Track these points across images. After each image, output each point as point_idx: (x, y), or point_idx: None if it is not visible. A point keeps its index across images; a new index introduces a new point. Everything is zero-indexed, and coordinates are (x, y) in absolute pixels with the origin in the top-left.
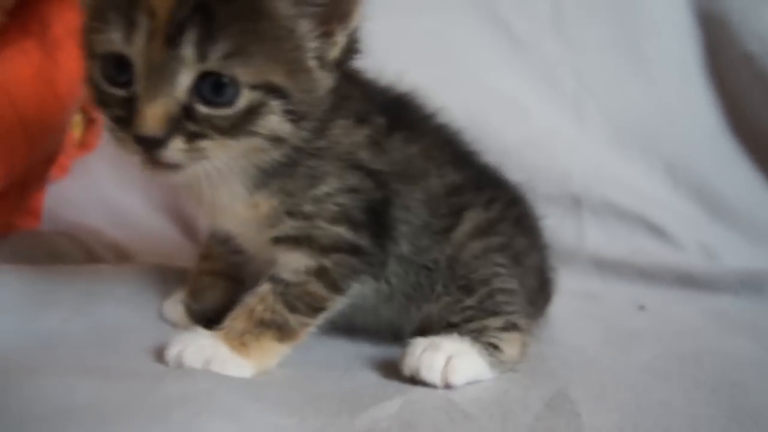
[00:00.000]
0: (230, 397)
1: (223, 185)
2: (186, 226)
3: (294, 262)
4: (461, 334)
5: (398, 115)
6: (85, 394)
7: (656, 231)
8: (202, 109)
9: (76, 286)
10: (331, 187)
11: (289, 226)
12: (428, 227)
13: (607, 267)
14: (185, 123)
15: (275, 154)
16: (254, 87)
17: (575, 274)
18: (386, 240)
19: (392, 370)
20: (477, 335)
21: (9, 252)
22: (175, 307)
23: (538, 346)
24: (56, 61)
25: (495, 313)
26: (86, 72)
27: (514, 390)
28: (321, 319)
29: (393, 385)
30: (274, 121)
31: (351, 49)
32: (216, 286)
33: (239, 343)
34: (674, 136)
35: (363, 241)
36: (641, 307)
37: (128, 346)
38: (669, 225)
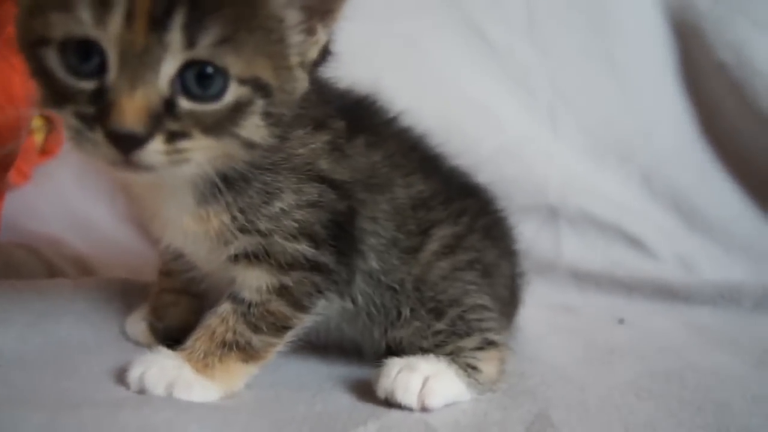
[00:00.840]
0: (192, 426)
1: (171, 193)
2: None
3: (254, 281)
4: (437, 355)
5: (359, 118)
6: (35, 425)
7: (634, 242)
8: (185, 103)
9: (32, 302)
10: (288, 203)
11: (245, 243)
12: (395, 243)
13: (585, 279)
14: (166, 120)
15: (240, 162)
16: (243, 81)
17: (553, 286)
18: (352, 255)
19: (366, 391)
20: (453, 357)
21: None
22: (138, 324)
23: (516, 363)
24: (10, 63)
25: (468, 333)
26: (33, 63)
27: (493, 412)
28: (287, 337)
29: (367, 408)
30: (254, 122)
31: (326, 51)
32: (178, 303)
33: (203, 364)
34: (650, 146)
35: (326, 257)
36: (621, 321)
37: (87, 367)
38: (646, 236)
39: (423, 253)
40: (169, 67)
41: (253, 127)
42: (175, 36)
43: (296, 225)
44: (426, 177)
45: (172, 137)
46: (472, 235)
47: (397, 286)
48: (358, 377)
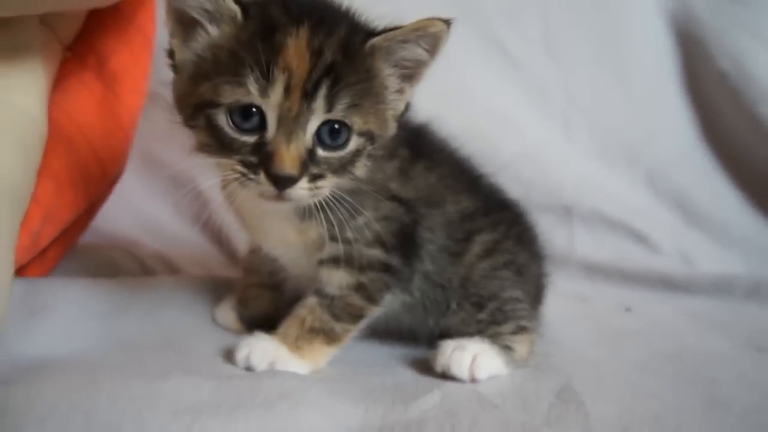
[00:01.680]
0: (313, 391)
1: (280, 213)
2: (214, 236)
3: (336, 279)
4: (481, 338)
5: (418, 146)
6: (209, 389)
7: (639, 238)
8: (321, 152)
9: (143, 295)
10: (369, 217)
11: (332, 250)
12: (446, 249)
13: (596, 271)
14: (309, 165)
15: (346, 187)
16: (361, 134)
17: (567, 278)
18: (414, 258)
19: (423, 367)
20: (493, 339)
21: (76, 267)
22: (227, 313)
23: (542, 345)
24: (116, 93)
25: (505, 321)
26: (201, 122)
27: (527, 383)
28: (361, 325)
29: (428, 380)
30: (364, 162)
31: (408, 104)
32: (261, 296)
33: (295, 346)
34: (654, 150)
35: (394, 260)
36: (627, 309)
37: (198, 349)
38: (651, 232)
39: (467, 256)
40: (313, 126)
41: (362, 166)
42: (319, 103)
43: (373, 234)
44: (471, 194)
45: (313, 178)
46: (507, 241)
47: (446, 284)
48: (415, 356)
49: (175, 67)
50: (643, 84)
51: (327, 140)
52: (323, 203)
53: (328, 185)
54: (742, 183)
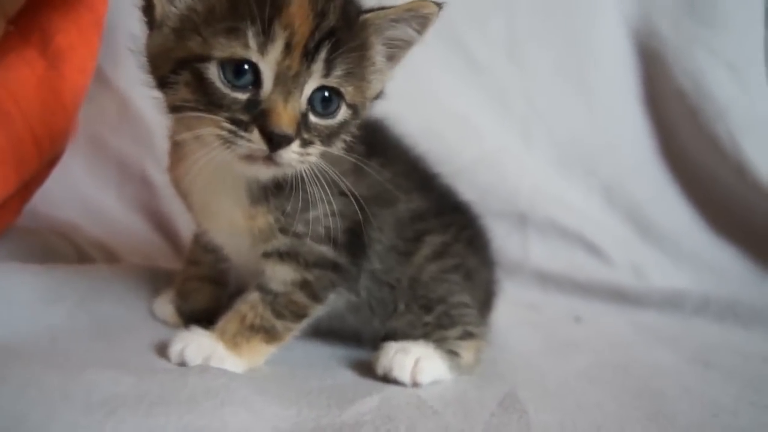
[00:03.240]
0: (242, 391)
1: (230, 192)
2: (159, 225)
3: (281, 275)
4: (426, 341)
5: (374, 142)
6: (128, 383)
7: (593, 249)
8: (313, 118)
9: (76, 284)
10: (321, 212)
11: (280, 243)
12: (395, 248)
13: (548, 280)
14: (302, 129)
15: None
16: (349, 105)
17: (520, 286)
18: (361, 258)
19: (364, 369)
20: (439, 344)
21: (8, 249)
22: (166, 306)
23: (489, 351)
24: (60, 71)
25: (452, 325)
26: (191, 78)
27: (471, 390)
28: (303, 324)
29: (368, 383)
30: (343, 138)
31: (382, 90)
32: (202, 289)
33: (233, 343)
34: (612, 162)
35: (341, 258)
36: (577, 319)
37: (131, 342)
38: (604, 244)
39: (416, 257)
40: (309, 88)
41: (342, 141)
42: (318, 66)
43: (324, 231)
44: (423, 194)
45: (304, 143)
46: (458, 245)
47: (394, 284)
48: (357, 358)
49: (151, 23)
50: (604, 96)
51: (319, 107)
52: (277, 187)
53: (316, 153)
54: (695, 199)
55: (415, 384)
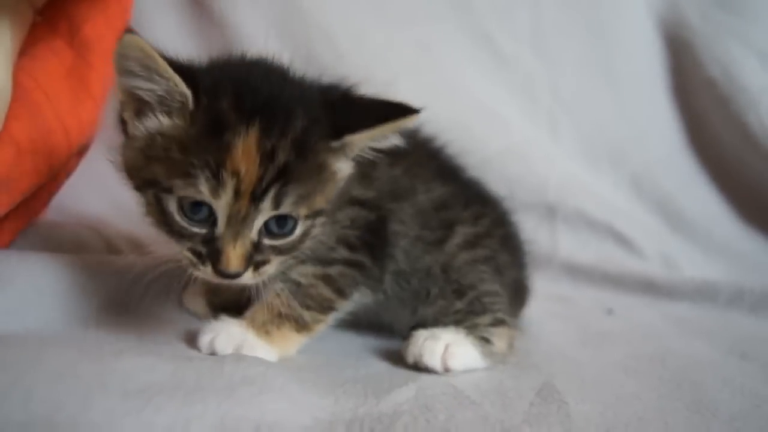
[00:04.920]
0: (279, 379)
1: None
2: None
3: (302, 269)
4: (457, 328)
5: None
6: (165, 372)
7: (623, 241)
8: (267, 241)
9: (106, 276)
10: (326, 232)
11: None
12: (420, 239)
13: (578, 272)
14: (254, 256)
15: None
16: (308, 217)
17: (549, 279)
18: (384, 258)
19: (398, 359)
20: (470, 331)
21: (38, 241)
22: (195, 298)
23: (522, 342)
24: (88, 62)
25: (483, 312)
26: (151, 199)
27: (507, 380)
28: (331, 317)
29: (403, 372)
30: (315, 232)
31: None
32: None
33: (263, 331)
34: (640, 153)
35: (362, 257)
36: (609, 311)
37: (162, 333)
38: (634, 235)
39: (448, 245)
40: (259, 222)
41: (313, 237)
42: (267, 204)
43: (336, 236)
44: (444, 183)
45: (258, 265)
46: (490, 240)
47: (425, 271)
48: (390, 348)
49: (125, 133)
50: (631, 87)
51: (274, 229)
52: None
53: (273, 265)
54: (726, 190)
55: (447, 370)
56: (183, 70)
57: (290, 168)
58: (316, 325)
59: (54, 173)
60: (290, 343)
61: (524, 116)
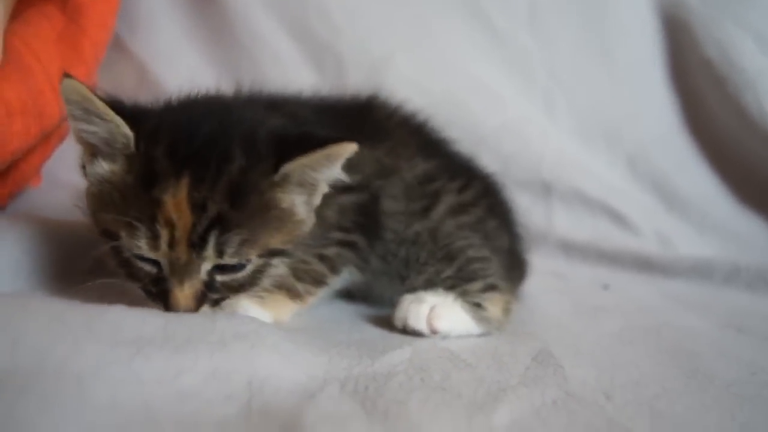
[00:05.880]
0: (272, 337)
1: None
2: None
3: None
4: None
5: (361, 127)
6: (155, 324)
7: (618, 218)
8: (220, 278)
9: (96, 243)
10: (314, 228)
11: None
12: (407, 212)
13: (573, 249)
14: (208, 293)
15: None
16: (260, 256)
17: (544, 255)
18: (375, 240)
19: (392, 326)
20: (461, 297)
21: (28, 207)
22: None
23: (518, 313)
24: (80, 26)
25: (474, 278)
26: (105, 237)
27: (502, 346)
28: (323, 290)
29: (397, 337)
30: (275, 270)
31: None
32: None
33: (257, 296)
34: (636, 132)
35: (355, 237)
36: (605, 287)
37: None
38: (630, 213)
39: (434, 212)
40: (207, 267)
41: (275, 273)
42: (209, 252)
43: (324, 228)
44: (427, 158)
45: (215, 302)
46: (476, 208)
47: (414, 238)
48: (382, 315)
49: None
50: (627, 66)
51: (225, 269)
52: None
53: (236, 300)
54: (721, 170)
55: (434, 332)
56: (125, 111)
57: (226, 215)
58: (308, 296)
59: (45, 135)
60: (283, 309)
61: (520, 94)
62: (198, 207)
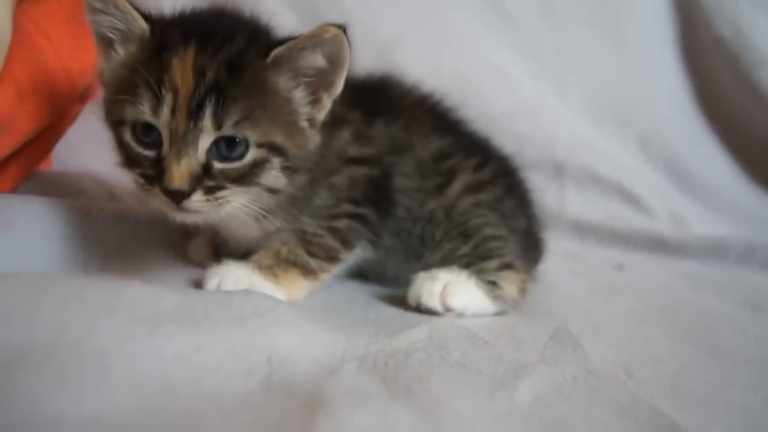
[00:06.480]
0: (290, 314)
1: (234, 220)
2: None
3: (309, 221)
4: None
5: (375, 102)
6: (173, 301)
7: (631, 199)
8: (218, 165)
9: (111, 223)
10: (324, 197)
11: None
12: (422, 190)
13: (586, 230)
14: (204, 179)
15: (272, 202)
16: (260, 145)
17: (557, 236)
18: (386, 215)
19: (407, 305)
20: (477, 275)
21: (40, 189)
22: (200, 250)
23: (534, 293)
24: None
25: (489, 257)
26: (115, 137)
27: (520, 325)
28: (336, 267)
29: (414, 316)
30: (273, 174)
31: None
32: None
33: (270, 273)
34: (648, 112)
35: (365, 209)
36: (619, 267)
37: (168, 280)
38: (643, 194)
39: (450, 190)
40: (205, 143)
41: (273, 178)
42: (207, 122)
43: (334, 200)
44: (442, 135)
45: (210, 190)
46: (493, 186)
47: (429, 216)
48: (398, 295)
49: (103, 84)
50: (639, 46)
51: (225, 153)
52: (265, 211)
53: (231, 195)
54: (734, 148)
55: (448, 309)
56: (140, 9)
57: (224, 85)
58: (321, 273)
59: (57, 116)
60: (297, 286)
61: (531, 75)
62: (199, 71)
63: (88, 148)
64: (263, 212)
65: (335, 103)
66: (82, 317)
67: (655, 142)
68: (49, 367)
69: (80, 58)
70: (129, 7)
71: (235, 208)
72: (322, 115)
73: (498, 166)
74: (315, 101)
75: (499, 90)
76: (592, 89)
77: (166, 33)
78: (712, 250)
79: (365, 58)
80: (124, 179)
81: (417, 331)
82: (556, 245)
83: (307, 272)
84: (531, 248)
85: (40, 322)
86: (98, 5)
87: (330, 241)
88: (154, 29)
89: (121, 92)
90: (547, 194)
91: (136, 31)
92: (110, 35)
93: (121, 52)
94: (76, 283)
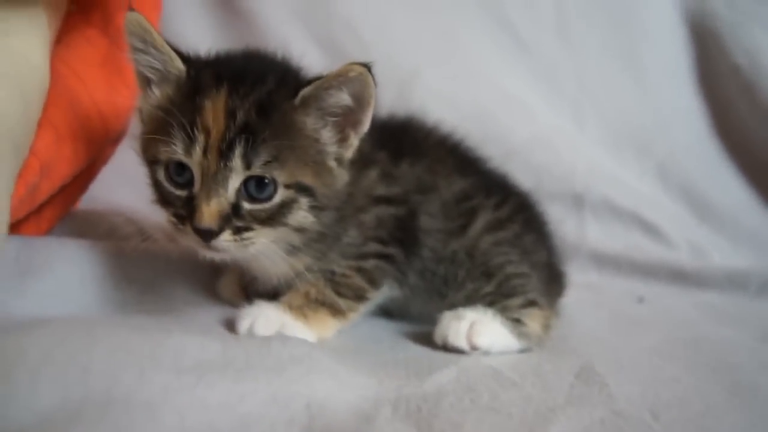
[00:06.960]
0: (326, 360)
1: (262, 258)
2: None
3: (337, 261)
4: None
5: (400, 143)
6: (214, 350)
7: (650, 229)
8: (247, 205)
9: (143, 265)
10: (353, 236)
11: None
12: (445, 230)
13: (606, 262)
14: (233, 219)
15: (299, 239)
16: (288, 186)
17: (577, 268)
18: (411, 254)
19: (434, 343)
20: (501, 313)
21: (71, 230)
22: (230, 288)
23: (557, 328)
24: (123, 49)
25: (513, 294)
26: (150, 174)
27: (545, 363)
28: (364, 307)
29: (441, 355)
30: (301, 214)
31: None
32: None
33: (300, 313)
34: (666, 141)
35: (393, 249)
36: (640, 299)
37: (200, 320)
38: (662, 224)
39: (471, 230)
40: (235, 183)
41: (301, 218)
42: (237, 162)
43: (362, 240)
44: (463, 176)
45: (238, 230)
46: (513, 223)
47: (452, 256)
48: (424, 332)
49: (142, 121)
50: (656, 74)
51: (254, 193)
52: (293, 247)
53: (258, 236)
54: (753, 177)
55: (474, 348)
56: (178, 50)
57: (254, 126)
58: (350, 312)
59: (92, 159)
60: (326, 326)
61: (549, 104)
62: (231, 113)
63: (116, 185)
64: (291, 248)
65: (362, 141)
66: (132, 369)
67: (673, 171)
68: (105, 421)
69: (114, 103)
70: (168, 48)
71: (262, 246)
72: (349, 153)
73: (516, 202)
74: (342, 140)
75: (517, 121)
76: (609, 118)
77: (200, 75)
78: (732, 281)
79: (386, 90)
80: (153, 216)
81: (446, 373)
82: (577, 277)
83: (336, 312)
84: (553, 281)
85: (93, 374)
86: (139, 45)
87: (358, 281)
88: (189, 71)
89: (156, 132)
90: (566, 226)
91: (173, 71)
92: (149, 75)
93: (157, 93)
94: (123, 332)
